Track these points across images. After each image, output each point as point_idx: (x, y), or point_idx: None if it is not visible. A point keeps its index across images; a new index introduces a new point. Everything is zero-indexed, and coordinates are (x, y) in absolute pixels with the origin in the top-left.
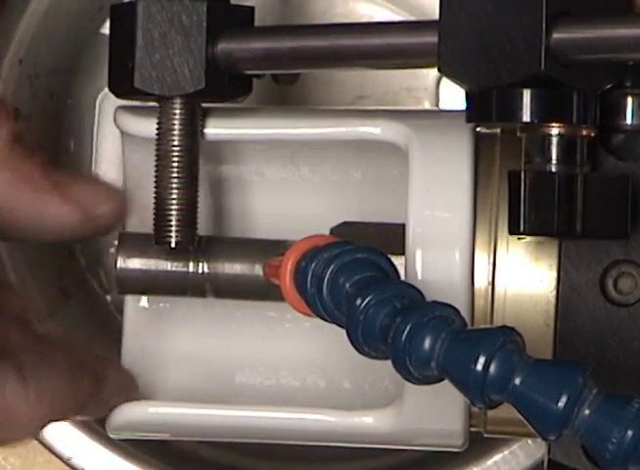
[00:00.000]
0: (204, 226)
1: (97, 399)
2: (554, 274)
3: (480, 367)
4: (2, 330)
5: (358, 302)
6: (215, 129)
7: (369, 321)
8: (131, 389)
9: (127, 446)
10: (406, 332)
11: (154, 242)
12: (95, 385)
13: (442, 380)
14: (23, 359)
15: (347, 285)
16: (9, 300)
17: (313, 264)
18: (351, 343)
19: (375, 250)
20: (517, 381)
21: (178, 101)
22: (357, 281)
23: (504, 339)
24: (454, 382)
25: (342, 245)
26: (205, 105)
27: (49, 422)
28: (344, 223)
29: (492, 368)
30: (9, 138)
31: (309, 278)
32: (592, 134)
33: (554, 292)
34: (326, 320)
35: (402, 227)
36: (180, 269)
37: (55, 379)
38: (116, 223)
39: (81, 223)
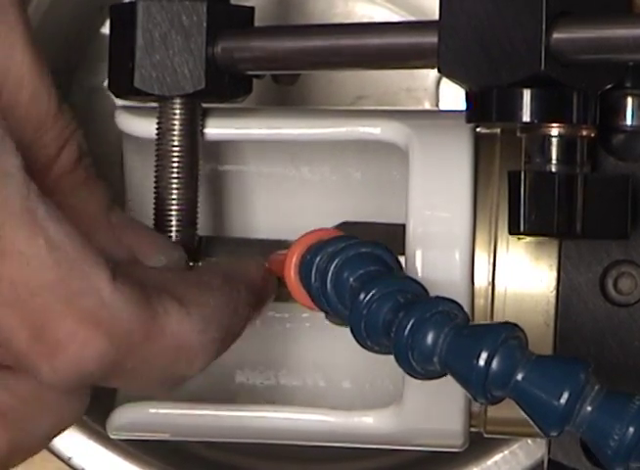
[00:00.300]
0: (203, 226)
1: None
2: (554, 274)
3: (482, 362)
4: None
5: (362, 296)
6: (215, 129)
7: (372, 316)
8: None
9: (127, 447)
10: (409, 327)
11: None
12: (251, 298)
13: (445, 375)
14: (180, 289)
15: (351, 279)
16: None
17: (318, 258)
18: (354, 337)
19: (379, 244)
20: (519, 377)
21: (178, 101)
22: (361, 275)
23: (507, 334)
24: (456, 377)
25: (347, 239)
26: (205, 105)
27: (223, 349)
28: (344, 224)
29: (495, 364)
30: (76, 154)
31: (314, 272)
32: (592, 134)
33: (554, 292)
34: (329, 314)
35: (402, 227)
36: None
37: (216, 300)
38: None
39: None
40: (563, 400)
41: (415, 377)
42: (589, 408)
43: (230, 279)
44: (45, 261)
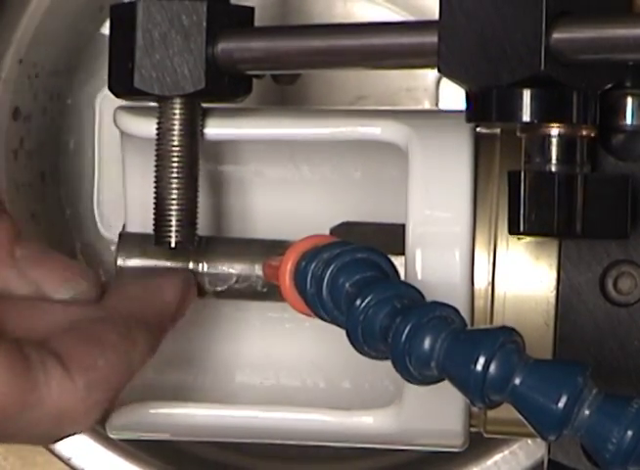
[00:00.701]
0: (203, 226)
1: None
2: (554, 274)
3: (479, 367)
4: (36, 316)
5: (358, 302)
6: (215, 129)
7: (369, 321)
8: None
9: (127, 446)
10: (406, 332)
11: (154, 242)
12: (151, 340)
13: (442, 380)
14: (68, 348)
15: (347, 285)
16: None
17: (313, 265)
18: (351, 343)
19: (375, 250)
20: (517, 381)
21: (178, 101)
22: (357, 281)
23: (504, 339)
24: (454, 382)
25: (342, 245)
26: (204, 105)
27: (110, 405)
28: (344, 224)
29: (492, 368)
30: None
31: (309, 278)
32: (592, 134)
33: (554, 292)
34: (326, 320)
35: (402, 227)
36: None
37: (107, 360)
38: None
39: None
40: (561, 404)
41: (413, 382)
42: (587, 412)
43: (130, 326)
44: None
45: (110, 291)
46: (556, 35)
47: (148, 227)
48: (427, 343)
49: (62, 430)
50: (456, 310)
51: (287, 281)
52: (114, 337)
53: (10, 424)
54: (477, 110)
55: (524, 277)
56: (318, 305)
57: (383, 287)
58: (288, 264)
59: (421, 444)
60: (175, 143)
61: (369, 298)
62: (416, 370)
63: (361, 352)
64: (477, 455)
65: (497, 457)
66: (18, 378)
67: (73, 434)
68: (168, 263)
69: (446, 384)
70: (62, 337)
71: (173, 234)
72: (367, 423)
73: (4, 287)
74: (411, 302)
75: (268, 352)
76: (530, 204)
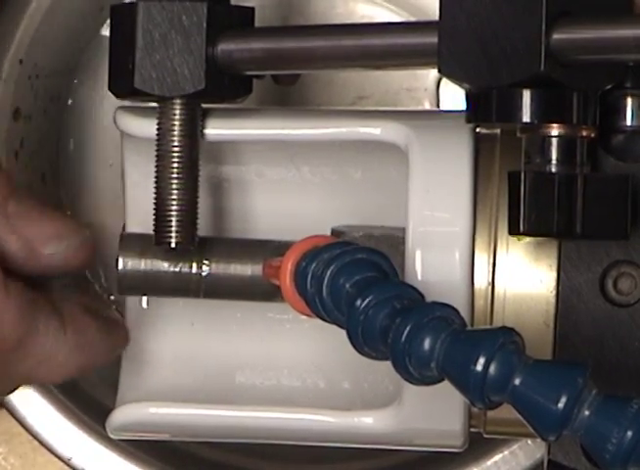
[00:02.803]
0: (204, 227)
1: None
2: (554, 275)
3: (479, 368)
4: (51, 289)
5: (358, 302)
6: (215, 130)
7: (369, 322)
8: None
9: (127, 447)
10: (406, 333)
11: (154, 242)
12: (124, 340)
13: (442, 381)
14: (67, 313)
15: (347, 285)
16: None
17: (313, 265)
18: (351, 343)
19: (375, 250)
20: (516, 382)
21: (178, 101)
22: (357, 281)
23: (504, 339)
24: (454, 383)
25: (342, 245)
26: (205, 105)
27: (83, 373)
28: (345, 227)
29: (492, 369)
30: None
31: (309, 279)
32: (592, 135)
33: (554, 292)
34: (326, 321)
35: (402, 238)
36: (180, 270)
37: (93, 332)
38: (74, 265)
39: (28, 260)
40: (560, 405)
41: (412, 383)
42: (587, 412)
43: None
44: None
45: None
46: (556, 36)
47: (148, 228)
48: (427, 343)
49: (39, 371)
50: (456, 311)
51: (287, 281)
52: (104, 315)
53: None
54: (477, 110)
55: (523, 277)
56: (318, 306)
57: (383, 287)
58: (288, 265)
59: (421, 444)
60: (175, 143)
61: (369, 298)
62: (416, 371)
63: (361, 353)
64: (476, 456)
65: (497, 458)
66: (23, 322)
67: (41, 384)
68: (169, 264)
69: (446, 384)
70: (66, 299)
71: (173, 234)
72: (367, 423)
73: None
74: (411, 302)
75: (268, 353)
76: (530, 204)
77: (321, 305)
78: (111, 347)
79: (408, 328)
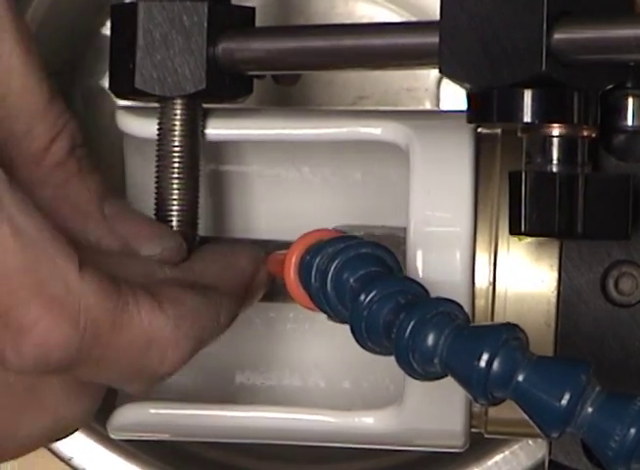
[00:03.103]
0: (204, 226)
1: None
2: (555, 274)
3: (483, 364)
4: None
5: (362, 297)
6: (216, 130)
7: (373, 317)
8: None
9: (127, 447)
10: (410, 328)
11: None
12: (235, 303)
13: (445, 376)
14: (157, 285)
15: (351, 280)
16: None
17: (318, 259)
18: (355, 338)
19: (379, 245)
20: (520, 378)
21: (179, 101)
22: (361, 276)
23: (507, 335)
24: (457, 378)
25: (347, 239)
26: (205, 105)
27: (198, 348)
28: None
29: (495, 365)
30: (68, 146)
31: (314, 272)
32: (593, 135)
33: (555, 292)
34: (329, 315)
35: (403, 239)
36: None
37: (194, 301)
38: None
39: None
40: (564, 402)
41: (416, 378)
42: (590, 410)
43: (217, 285)
44: (10, 247)
45: (193, 257)
46: (557, 36)
47: None
48: (430, 339)
49: (150, 361)
50: (460, 306)
51: (291, 275)
52: (201, 286)
53: (100, 343)
54: (478, 110)
55: (525, 277)
56: (322, 300)
57: (387, 282)
58: (293, 258)
59: (421, 444)
60: (176, 143)
61: (373, 293)
62: (419, 366)
63: (364, 348)
64: (477, 456)
65: (498, 458)
66: (110, 298)
67: (163, 374)
68: None
69: (447, 384)
70: (153, 278)
71: None
72: (368, 423)
73: (95, 241)
74: (415, 297)
75: (269, 353)
76: (531, 204)
77: (325, 299)
78: (218, 314)
79: (412, 323)
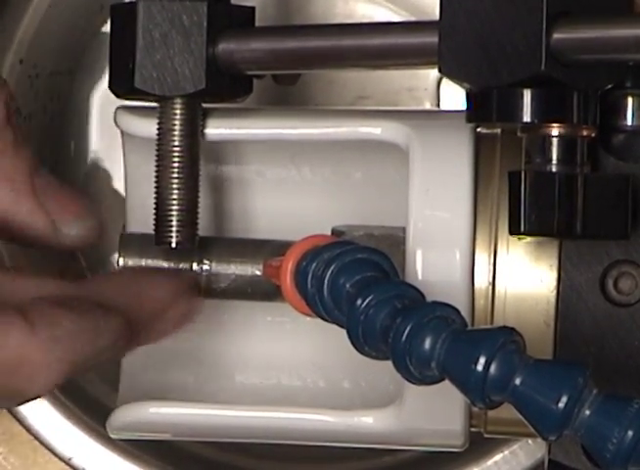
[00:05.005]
0: (204, 226)
1: (131, 341)
2: (554, 274)
3: (480, 368)
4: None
5: (359, 302)
6: (216, 129)
7: (369, 321)
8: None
9: (127, 446)
10: (406, 332)
11: (154, 242)
12: (125, 327)
13: (443, 380)
14: (33, 308)
15: (348, 285)
16: None
17: (314, 265)
18: (352, 343)
19: (375, 250)
20: (517, 381)
21: (179, 101)
22: (358, 281)
23: (504, 339)
24: (454, 382)
25: (343, 245)
26: (205, 105)
27: (72, 371)
28: (345, 227)
29: (493, 369)
30: (3, 115)
31: (310, 278)
32: (592, 134)
33: (554, 292)
34: (326, 320)
35: (402, 238)
36: (181, 270)
37: (71, 323)
38: (83, 247)
39: (46, 235)
40: (561, 404)
41: (413, 382)
42: (587, 412)
43: (117, 308)
44: None
45: (101, 277)
46: (556, 35)
47: (148, 227)
48: (427, 343)
49: (18, 382)
50: (456, 311)
51: (288, 281)
52: (84, 308)
53: None
54: (477, 110)
55: (524, 277)
56: (319, 305)
57: (383, 287)
58: (289, 264)
59: (421, 444)
60: (176, 143)
61: (369, 298)
62: (416, 370)
63: (362, 352)
64: (477, 456)
65: (497, 457)
66: None
67: (32, 395)
68: (169, 264)
69: (447, 384)
70: (30, 304)
71: (174, 234)
72: (367, 423)
73: (24, 218)
74: (411, 302)
75: (269, 353)
76: (531, 204)
77: (321, 304)
78: (98, 338)
79: (409, 328)
